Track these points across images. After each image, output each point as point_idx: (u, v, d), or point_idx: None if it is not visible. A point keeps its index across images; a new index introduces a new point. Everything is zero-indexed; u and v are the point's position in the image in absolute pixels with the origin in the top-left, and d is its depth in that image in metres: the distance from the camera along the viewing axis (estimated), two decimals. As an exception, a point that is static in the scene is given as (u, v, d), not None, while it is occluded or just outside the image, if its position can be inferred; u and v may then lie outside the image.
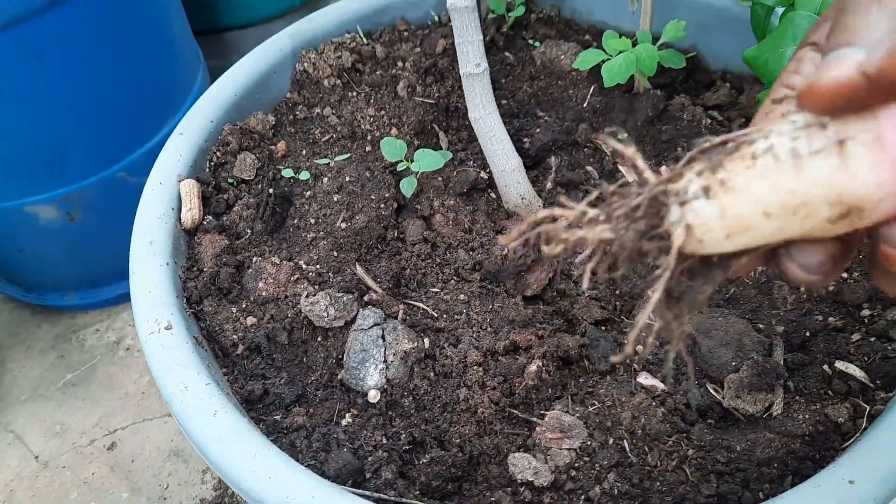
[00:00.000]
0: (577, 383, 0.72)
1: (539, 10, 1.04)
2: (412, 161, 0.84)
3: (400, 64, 0.97)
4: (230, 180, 0.87)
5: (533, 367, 0.69)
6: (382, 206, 0.83)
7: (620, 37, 0.89)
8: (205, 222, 0.81)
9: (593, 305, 0.77)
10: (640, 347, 0.74)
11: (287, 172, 0.87)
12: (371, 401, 0.71)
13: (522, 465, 0.65)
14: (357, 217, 0.82)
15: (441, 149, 0.91)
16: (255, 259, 0.79)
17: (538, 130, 0.91)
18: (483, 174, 0.86)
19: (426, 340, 0.74)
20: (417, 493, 0.64)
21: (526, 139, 0.91)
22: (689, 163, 0.35)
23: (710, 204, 0.34)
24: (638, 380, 0.72)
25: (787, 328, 0.74)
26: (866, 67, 0.32)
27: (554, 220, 0.38)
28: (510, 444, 0.68)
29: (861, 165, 0.32)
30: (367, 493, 0.63)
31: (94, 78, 1.17)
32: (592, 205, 0.38)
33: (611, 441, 0.67)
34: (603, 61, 0.87)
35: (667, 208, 0.35)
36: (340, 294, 0.75)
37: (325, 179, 0.86)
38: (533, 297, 0.79)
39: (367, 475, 0.65)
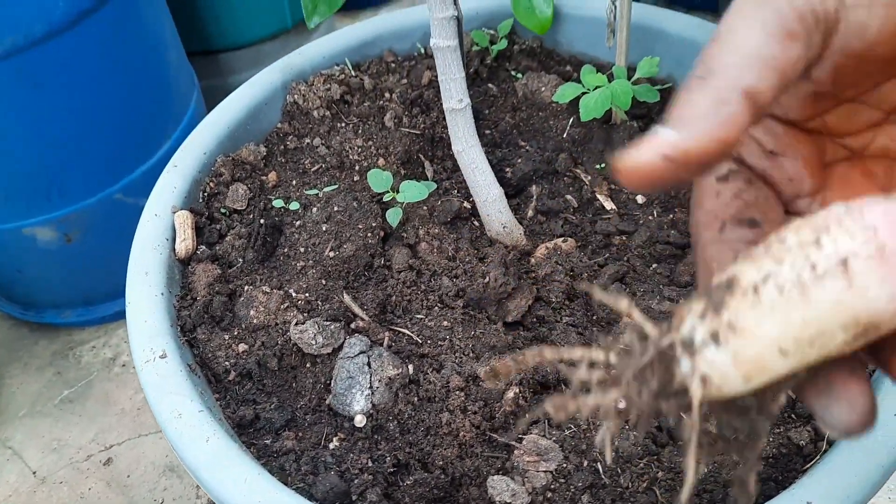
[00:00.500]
0: (553, 408, 0.75)
1: (522, 41, 1.08)
2: (398, 192, 0.87)
3: (387, 95, 1.01)
4: (223, 210, 0.90)
5: (510, 394, 0.72)
6: (369, 234, 0.86)
7: (598, 71, 0.93)
8: (198, 252, 0.85)
9: (571, 331, 0.80)
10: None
11: (278, 203, 0.91)
12: (357, 425, 0.74)
13: (501, 488, 0.68)
14: (345, 246, 0.85)
15: (427, 178, 0.95)
16: (246, 287, 0.83)
17: (520, 160, 0.95)
18: (466, 203, 0.90)
19: (410, 367, 0.77)
20: (400, 514, 0.68)
21: (508, 169, 0.95)
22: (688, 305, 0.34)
23: (722, 351, 0.33)
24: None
25: (755, 354, 0.77)
26: (668, 151, 0.32)
27: (542, 355, 0.38)
28: (490, 466, 0.71)
29: (869, 283, 0.31)
30: (353, 515, 0.67)
31: (92, 104, 1.21)
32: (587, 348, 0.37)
33: (585, 463, 0.70)
34: (581, 94, 0.90)
35: (676, 360, 0.34)
36: (328, 322, 0.79)
37: (314, 209, 0.89)
38: (514, 323, 0.83)
39: (354, 497, 0.69)
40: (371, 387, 0.75)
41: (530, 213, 0.91)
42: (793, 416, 0.72)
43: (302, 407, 0.77)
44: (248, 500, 0.63)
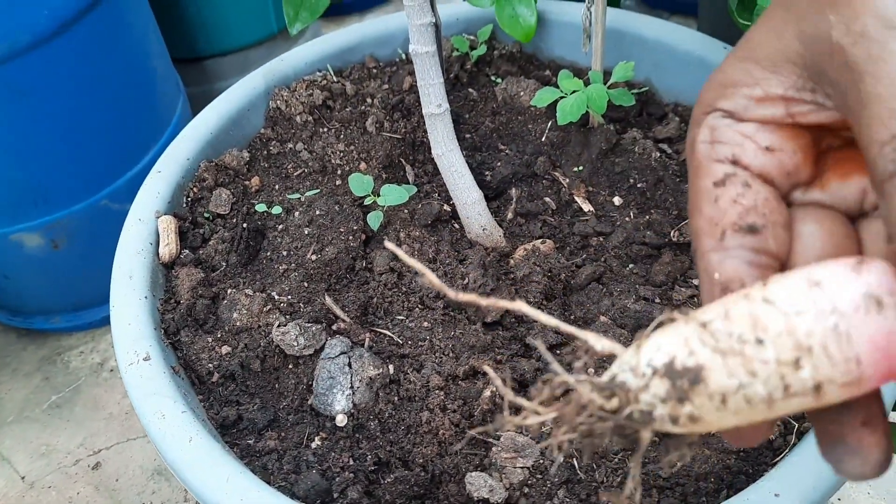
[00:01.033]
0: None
1: (501, 46, 1.10)
2: (379, 195, 0.89)
3: (369, 100, 1.03)
4: (206, 215, 0.91)
5: (487, 393, 0.74)
6: (351, 238, 0.88)
7: (576, 76, 0.94)
8: (182, 256, 0.86)
9: (548, 331, 0.82)
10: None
11: (260, 207, 0.92)
12: (339, 425, 0.76)
13: (479, 484, 0.70)
14: (327, 249, 0.86)
15: (407, 182, 0.96)
16: (229, 291, 0.84)
17: (499, 164, 0.96)
18: (447, 207, 0.91)
19: (391, 367, 0.79)
20: (380, 511, 0.69)
21: (488, 172, 0.96)
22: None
23: (678, 427, 0.33)
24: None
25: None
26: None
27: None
28: (468, 463, 0.73)
29: (837, 396, 0.32)
30: (333, 512, 0.68)
31: (78, 112, 1.22)
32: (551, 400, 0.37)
33: (561, 459, 0.72)
34: (559, 99, 0.92)
35: (631, 426, 0.34)
36: (310, 324, 0.80)
37: (297, 213, 0.91)
38: (493, 323, 0.84)
39: (335, 495, 0.70)
40: (352, 387, 0.76)
41: (510, 215, 0.93)
42: (764, 411, 0.74)
43: (284, 407, 0.78)
44: (231, 498, 0.64)
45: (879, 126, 0.30)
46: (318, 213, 0.90)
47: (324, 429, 0.76)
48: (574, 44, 1.06)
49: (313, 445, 0.75)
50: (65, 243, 1.35)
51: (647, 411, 0.34)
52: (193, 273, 0.84)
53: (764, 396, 0.32)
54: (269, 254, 0.89)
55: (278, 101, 1.01)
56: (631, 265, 0.88)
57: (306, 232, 0.89)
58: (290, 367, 0.80)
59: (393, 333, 0.82)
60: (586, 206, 0.94)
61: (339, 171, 0.96)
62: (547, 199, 0.94)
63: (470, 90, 1.06)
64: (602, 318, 0.83)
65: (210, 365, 0.79)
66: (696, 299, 0.84)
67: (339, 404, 0.76)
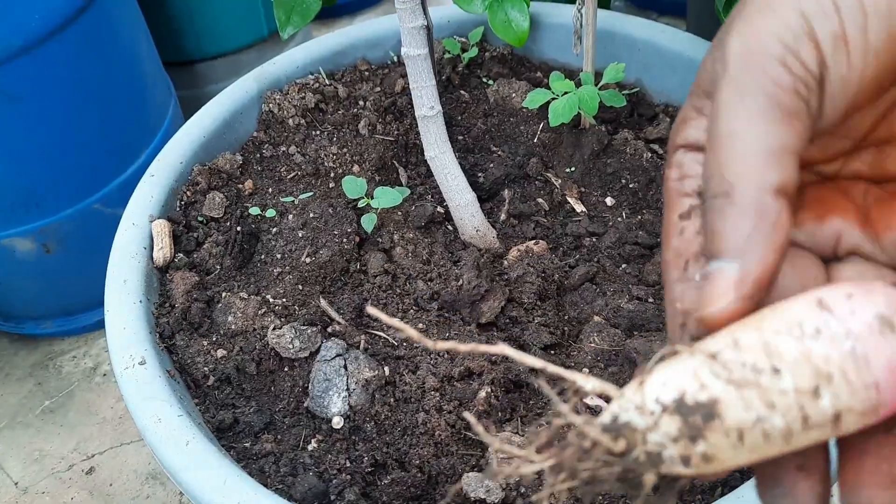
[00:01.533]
0: (526, 406, 0.77)
1: (493, 48, 1.10)
2: (372, 198, 0.89)
3: (361, 103, 1.03)
4: (200, 219, 0.91)
5: (482, 394, 0.74)
6: (345, 240, 0.88)
7: (567, 77, 0.95)
8: (176, 260, 0.86)
9: (543, 331, 0.82)
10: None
11: (254, 210, 0.92)
12: (335, 427, 0.76)
13: (475, 484, 0.70)
14: (321, 252, 0.87)
15: (401, 184, 0.97)
16: (224, 294, 0.84)
17: (492, 165, 0.97)
18: (440, 208, 0.92)
19: (386, 368, 0.79)
20: (377, 512, 0.69)
21: (480, 174, 0.97)
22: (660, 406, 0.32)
23: (689, 469, 0.32)
24: (584, 400, 0.77)
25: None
26: (744, 290, 0.31)
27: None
28: (465, 464, 0.73)
29: (855, 425, 0.31)
30: (331, 514, 0.68)
31: (68, 117, 1.22)
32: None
33: None
34: (550, 100, 0.93)
35: (639, 470, 0.32)
36: (305, 327, 0.80)
37: (291, 216, 0.91)
38: (487, 324, 0.85)
39: (332, 497, 0.70)
40: (348, 389, 0.76)
41: (503, 216, 0.93)
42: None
43: (280, 410, 0.78)
44: (228, 501, 0.64)
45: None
46: (311, 215, 0.90)
47: (320, 431, 0.76)
48: (565, 45, 1.06)
49: (310, 448, 0.75)
50: (56, 248, 1.35)
51: (656, 452, 0.31)
52: (188, 277, 0.84)
53: (782, 430, 0.31)
54: (263, 257, 0.89)
55: (271, 105, 1.01)
56: (624, 265, 0.89)
57: (300, 235, 0.89)
58: (286, 369, 0.80)
59: (388, 335, 0.82)
60: (579, 207, 0.94)
61: (332, 174, 0.96)
62: (540, 200, 0.95)
63: (462, 92, 1.07)
64: (596, 318, 0.83)
65: (205, 368, 0.79)
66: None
67: (336, 406, 0.76)
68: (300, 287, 0.85)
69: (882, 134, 0.38)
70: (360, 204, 0.90)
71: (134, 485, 1.33)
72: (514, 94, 1.02)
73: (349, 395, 0.76)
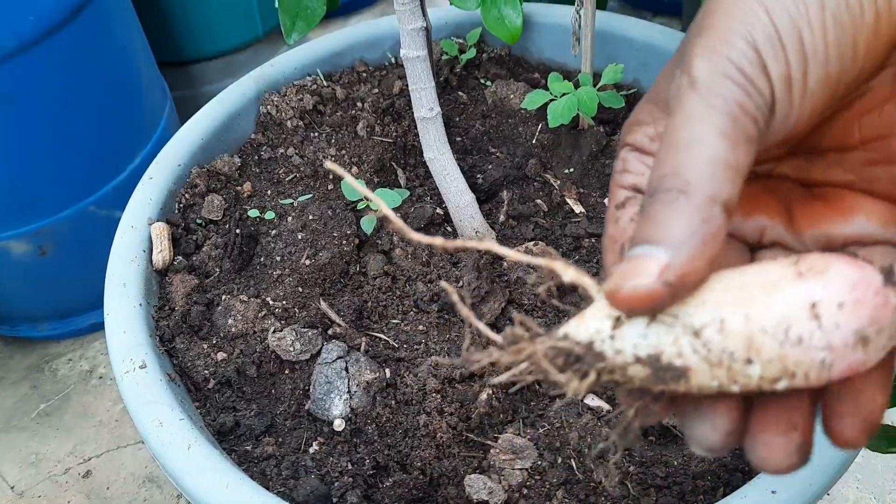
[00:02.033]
0: (528, 407, 0.77)
1: (490, 49, 1.10)
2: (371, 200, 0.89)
3: (359, 104, 1.03)
4: (199, 221, 0.91)
5: (484, 395, 0.74)
6: (344, 242, 0.88)
7: (565, 78, 0.95)
8: (175, 263, 0.86)
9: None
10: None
11: (253, 213, 0.92)
12: (336, 429, 0.76)
13: (478, 486, 0.70)
14: (320, 254, 0.87)
15: (400, 185, 0.97)
16: (224, 297, 0.84)
17: (490, 166, 0.97)
18: (439, 210, 0.92)
19: (387, 370, 0.79)
20: (380, 515, 0.69)
21: (479, 175, 0.97)
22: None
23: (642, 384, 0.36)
24: (585, 401, 0.78)
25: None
26: (668, 276, 0.32)
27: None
28: (467, 466, 0.73)
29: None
30: (334, 517, 0.68)
31: (64, 118, 1.21)
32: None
33: (559, 460, 0.72)
34: (549, 101, 0.93)
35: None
36: (305, 329, 0.80)
37: (290, 219, 0.91)
38: (488, 325, 0.84)
39: (335, 500, 0.70)
40: (349, 391, 0.76)
41: (502, 217, 0.93)
42: (758, 408, 0.75)
43: (281, 413, 0.78)
44: (231, 505, 0.64)
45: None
46: (311, 217, 0.90)
47: (321, 434, 0.76)
48: (562, 46, 1.06)
49: (311, 450, 0.75)
50: (52, 250, 1.34)
51: (617, 379, 0.35)
52: (187, 280, 0.84)
53: (736, 392, 0.34)
54: (262, 259, 0.89)
55: (269, 107, 1.01)
56: (623, 266, 0.89)
57: (300, 237, 0.89)
58: (287, 372, 0.80)
59: (388, 337, 0.82)
60: (577, 208, 0.94)
61: (331, 176, 0.96)
62: (538, 201, 0.95)
63: (460, 93, 1.07)
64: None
65: (206, 371, 0.79)
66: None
67: (337, 409, 0.76)
68: (300, 289, 0.85)
69: (811, 145, 0.41)
70: (360, 206, 0.90)
71: (131, 488, 1.32)
72: (512, 96, 1.02)
73: (350, 398, 0.76)
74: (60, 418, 1.43)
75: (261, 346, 0.80)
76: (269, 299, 0.84)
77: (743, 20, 0.34)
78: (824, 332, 0.33)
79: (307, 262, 0.86)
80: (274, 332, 0.80)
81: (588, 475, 0.71)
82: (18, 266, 1.35)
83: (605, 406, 0.77)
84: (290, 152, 0.99)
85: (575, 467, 0.72)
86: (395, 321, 0.84)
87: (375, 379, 0.77)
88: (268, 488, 0.68)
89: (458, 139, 1.02)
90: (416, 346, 0.81)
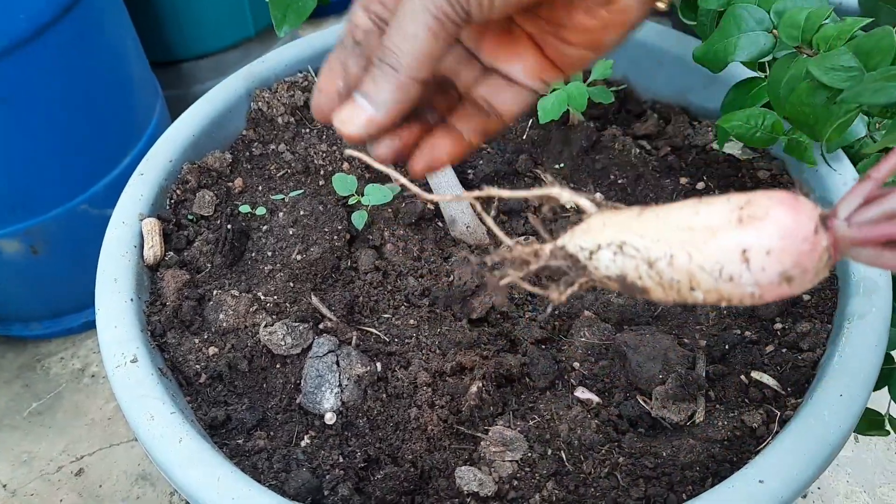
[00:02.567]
0: (518, 400, 0.78)
1: (481, 46, 1.10)
2: (363, 195, 0.89)
3: (350, 101, 1.03)
4: (190, 217, 0.91)
5: (474, 388, 0.75)
6: (335, 237, 0.88)
7: (554, 74, 0.95)
8: (166, 258, 0.86)
9: (534, 326, 0.83)
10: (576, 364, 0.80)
11: (244, 208, 0.92)
12: (328, 423, 0.76)
13: (468, 478, 0.71)
14: (312, 249, 0.87)
15: (391, 181, 0.97)
16: (215, 292, 0.84)
17: (481, 162, 0.97)
18: (430, 205, 0.92)
19: (378, 364, 0.79)
20: (371, 507, 0.70)
21: (470, 170, 0.97)
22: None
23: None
24: (575, 394, 0.78)
25: (709, 342, 0.80)
26: (370, 127, 0.47)
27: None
28: (457, 458, 0.73)
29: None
30: (325, 509, 0.68)
31: (55, 117, 1.21)
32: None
33: (549, 452, 0.73)
34: (539, 97, 0.93)
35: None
36: (297, 323, 0.80)
37: (281, 214, 0.91)
38: (478, 319, 0.85)
39: (326, 492, 0.70)
40: (340, 385, 0.76)
41: (493, 213, 0.94)
42: (746, 399, 0.75)
43: (273, 407, 0.78)
44: (223, 498, 0.64)
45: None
46: (302, 213, 0.90)
47: (313, 427, 0.76)
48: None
49: (303, 444, 0.75)
50: (44, 249, 1.34)
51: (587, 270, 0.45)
52: (179, 275, 0.84)
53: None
54: (254, 254, 0.89)
55: (260, 103, 1.01)
56: (613, 260, 0.89)
57: (291, 232, 0.89)
58: (278, 366, 0.80)
59: (379, 331, 0.82)
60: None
61: (321, 172, 0.96)
62: (529, 196, 0.95)
63: (450, 90, 1.07)
64: (586, 313, 0.84)
65: (197, 366, 0.79)
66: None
67: (328, 402, 0.76)
68: (291, 284, 0.85)
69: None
70: (351, 201, 0.90)
71: (124, 486, 1.32)
72: (502, 92, 1.03)
73: (341, 391, 0.76)
74: (53, 417, 1.43)
75: (252, 340, 0.81)
76: (260, 294, 0.85)
77: None
78: (752, 274, 0.39)
79: (298, 257, 0.87)
80: (265, 326, 0.81)
81: (578, 466, 0.71)
82: (10, 265, 1.35)
83: (595, 398, 0.77)
84: (281, 148, 0.99)
85: (565, 459, 0.72)
86: (386, 315, 0.84)
87: (366, 373, 0.77)
88: (259, 481, 0.69)
89: (449, 135, 1.02)
90: (406, 340, 0.82)
